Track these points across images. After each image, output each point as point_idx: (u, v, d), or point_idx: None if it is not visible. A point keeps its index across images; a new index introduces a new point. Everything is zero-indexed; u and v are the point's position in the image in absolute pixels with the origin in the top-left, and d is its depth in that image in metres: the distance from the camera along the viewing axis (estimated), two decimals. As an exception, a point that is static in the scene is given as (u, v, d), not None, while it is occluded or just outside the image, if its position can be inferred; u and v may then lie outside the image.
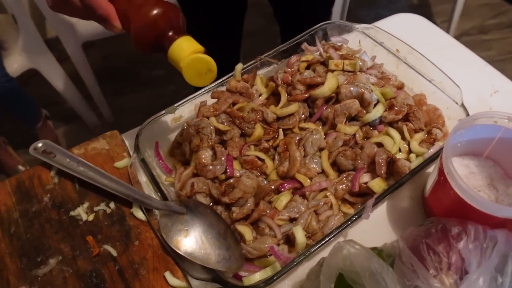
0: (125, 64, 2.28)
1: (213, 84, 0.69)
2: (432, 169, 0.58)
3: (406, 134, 0.63)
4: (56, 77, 1.72)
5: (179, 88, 2.10)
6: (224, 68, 0.64)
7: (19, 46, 1.60)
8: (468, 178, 0.56)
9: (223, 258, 0.51)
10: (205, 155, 0.61)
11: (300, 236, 0.53)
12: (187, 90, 0.75)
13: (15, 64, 1.58)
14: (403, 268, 0.46)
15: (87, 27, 1.64)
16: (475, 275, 0.42)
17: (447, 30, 2.10)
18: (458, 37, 2.22)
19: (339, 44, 0.75)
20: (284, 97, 0.67)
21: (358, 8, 2.33)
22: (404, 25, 0.85)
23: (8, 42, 1.63)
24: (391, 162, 0.58)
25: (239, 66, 0.70)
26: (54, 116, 1.94)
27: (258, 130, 0.63)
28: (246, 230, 0.55)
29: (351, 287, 0.47)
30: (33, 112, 1.71)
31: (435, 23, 2.37)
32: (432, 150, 0.60)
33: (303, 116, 0.66)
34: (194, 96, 0.69)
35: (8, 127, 1.91)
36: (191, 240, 0.52)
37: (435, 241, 0.48)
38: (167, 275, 0.52)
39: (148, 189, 0.60)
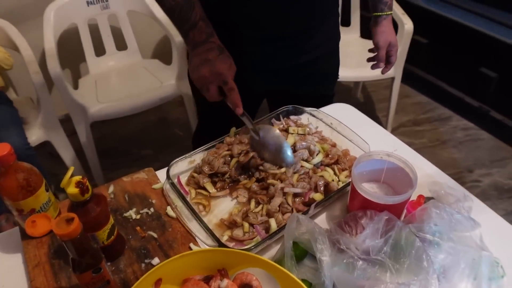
0: (117, 144, 2.65)
1: (216, 141, 1.07)
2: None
3: (337, 172, 1.01)
4: (64, 150, 2.06)
5: (164, 164, 2.46)
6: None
7: (38, 121, 1.95)
8: (372, 194, 0.94)
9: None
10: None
11: (273, 224, 0.88)
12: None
13: (34, 137, 1.91)
14: (330, 234, 0.81)
15: (96, 110, 2.03)
16: (367, 231, 0.78)
17: (386, 122, 2.63)
18: (396, 128, 2.75)
19: (295, 119, 1.17)
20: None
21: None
22: (338, 110, 1.27)
23: (28, 118, 1.98)
24: (327, 185, 0.96)
25: (233, 129, 1.09)
26: (54, 185, 2.24)
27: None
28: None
29: (302, 248, 0.82)
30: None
31: (377, 116, 2.88)
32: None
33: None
34: (203, 149, 1.06)
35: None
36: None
37: (349, 220, 0.84)
38: (191, 245, 0.85)
39: (177, 202, 0.94)
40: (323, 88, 1.39)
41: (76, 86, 2.33)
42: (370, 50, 1.29)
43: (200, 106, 1.46)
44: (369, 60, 1.29)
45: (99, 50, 2.40)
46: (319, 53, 1.24)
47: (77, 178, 0.71)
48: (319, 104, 1.23)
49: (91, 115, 2.02)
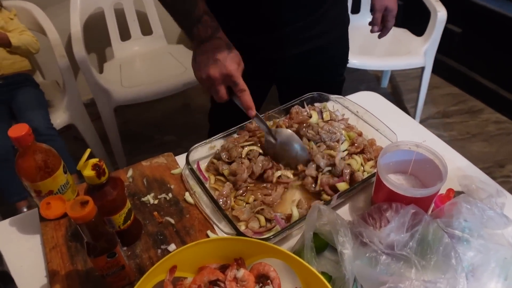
0: (141, 129, 2.66)
1: (237, 127, 1.05)
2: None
3: (362, 162, 0.97)
4: (88, 133, 2.08)
5: (187, 150, 2.45)
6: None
7: (63, 105, 1.97)
8: (398, 187, 0.90)
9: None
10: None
11: (295, 212, 0.85)
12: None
13: (58, 119, 1.93)
14: (353, 226, 0.78)
15: (120, 94, 2.04)
16: (392, 224, 0.74)
17: (414, 113, 2.55)
18: (425, 119, 2.67)
19: (320, 107, 1.13)
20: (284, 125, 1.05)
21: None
22: (365, 98, 1.22)
23: (53, 101, 2.00)
24: (352, 174, 0.92)
25: (255, 116, 1.07)
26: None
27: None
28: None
29: (322, 240, 0.79)
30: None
31: (405, 107, 2.81)
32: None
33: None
34: (224, 134, 1.03)
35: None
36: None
37: (373, 213, 0.80)
38: (208, 232, 0.83)
39: (196, 188, 0.92)
40: (333, 74, 1.35)
41: (101, 70, 2.34)
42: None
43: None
44: (369, 23, 1.25)
45: (125, 35, 2.40)
46: (328, 39, 1.21)
47: (94, 160, 0.70)
48: (330, 90, 1.19)
49: (115, 99, 2.02)
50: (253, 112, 0.91)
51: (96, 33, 2.39)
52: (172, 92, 2.11)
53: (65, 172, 0.83)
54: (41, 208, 0.62)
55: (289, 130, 0.99)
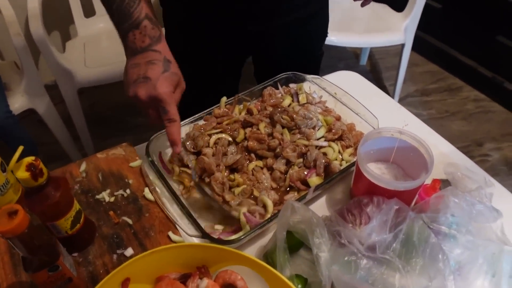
0: (110, 111, 2.52)
1: (203, 112, 0.95)
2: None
3: (340, 149, 0.89)
4: (50, 118, 1.94)
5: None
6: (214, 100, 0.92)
7: (21, 88, 1.82)
8: (379, 177, 0.82)
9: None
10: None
11: (269, 203, 0.77)
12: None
13: (17, 104, 1.79)
14: (330, 224, 0.70)
15: (83, 75, 1.90)
16: (373, 223, 0.67)
17: (393, 92, 2.48)
18: (404, 98, 2.61)
19: (295, 88, 1.04)
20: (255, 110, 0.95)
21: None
22: (343, 78, 1.14)
23: (11, 84, 1.85)
24: (328, 165, 0.84)
25: (224, 99, 0.97)
26: (42, 154, 2.13)
27: (241, 133, 0.89)
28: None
29: (297, 239, 0.71)
30: (30, 150, 1.89)
31: (384, 85, 2.75)
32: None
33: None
34: (190, 120, 0.94)
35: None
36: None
37: (352, 208, 0.73)
38: (170, 234, 0.74)
39: (157, 182, 0.83)
40: (312, 48, 1.25)
41: (64, 50, 2.19)
42: None
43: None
44: None
45: (89, 11, 2.23)
46: (308, 11, 1.11)
47: (29, 159, 0.59)
48: (309, 66, 1.12)
49: (78, 80, 1.89)
50: (178, 148, 0.77)
51: (57, 9, 2.22)
52: (140, 72, 1.98)
53: (3, 171, 0.73)
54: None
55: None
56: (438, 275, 0.59)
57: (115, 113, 2.52)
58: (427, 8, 2.18)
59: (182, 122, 0.91)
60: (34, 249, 0.56)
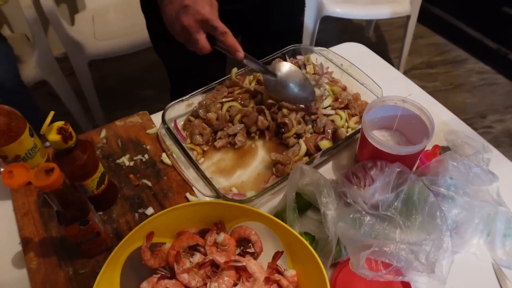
0: (119, 84, 2.56)
1: (215, 82, 0.99)
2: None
3: (347, 117, 0.94)
4: (62, 89, 1.98)
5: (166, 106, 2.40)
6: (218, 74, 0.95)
7: (34, 60, 1.86)
8: (383, 143, 0.87)
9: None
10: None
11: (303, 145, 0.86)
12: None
13: (30, 75, 1.83)
14: (336, 185, 0.76)
15: (94, 48, 1.93)
16: (376, 184, 0.72)
17: (398, 64, 2.50)
18: (409, 70, 2.63)
19: (302, 60, 1.07)
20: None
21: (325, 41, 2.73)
22: (349, 50, 1.17)
23: (24, 56, 1.89)
24: (335, 131, 0.88)
25: (235, 70, 1.01)
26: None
27: (251, 102, 0.94)
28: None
29: (305, 200, 0.76)
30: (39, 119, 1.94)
31: (389, 58, 2.75)
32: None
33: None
34: (203, 90, 0.98)
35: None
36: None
37: (357, 171, 0.78)
38: (187, 195, 0.80)
39: (173, 148, 0.88)
40: (292, 19, 1.26)
41: (72, 23, 2.21)
42: None
43: (167, 62, 1.32)
44: None
45: (96, -17, 2.25)
46: None
47: (59, 123, 0.64)
48: (292, 36, 1.14)
49: (88, 53, 1.92)
50: (241, 54, 0.82)
51: (64, -19, 2.23)
52: (150, 44, 2.01)
53: (31, 135, 0.78)
54: (3, 177, 0.57)
55: (289, 64, 0.93)
56: (436, 230, 0.64)
57: (123, 85, 2.56)
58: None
59: (194, 92, 0.96)
60: (67, 204, 0.61)
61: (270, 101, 0.94)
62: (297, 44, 1.09)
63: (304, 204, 0.77)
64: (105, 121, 2.21)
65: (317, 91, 0.95)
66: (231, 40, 0.80)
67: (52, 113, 0.64)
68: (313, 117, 0.91)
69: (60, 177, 0.57)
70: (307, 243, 0.61)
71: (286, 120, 0.88)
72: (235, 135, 0.91)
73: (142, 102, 2.43)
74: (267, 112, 0.91)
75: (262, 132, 0.93)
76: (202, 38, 0.79)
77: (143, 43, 1.99)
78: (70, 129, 0.65)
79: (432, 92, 1.09)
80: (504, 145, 2.22)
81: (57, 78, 1.95)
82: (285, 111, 0.91)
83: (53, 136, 0.63)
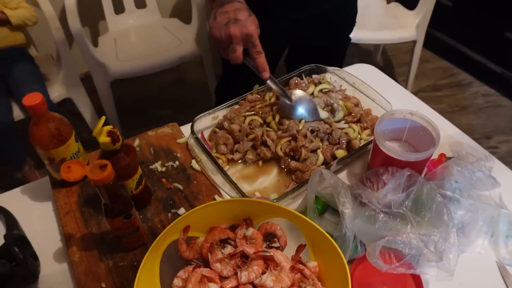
0: (136, 103, 2.67)
1: (238, 98, 1.09)
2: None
3: (359, 130, 1.02)
4: (85, 107, 2.09)
5: (182, 125, 2.50)
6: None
7: (59, 78, 1.97)
8: (393, 153, 0.95)
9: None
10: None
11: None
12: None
13: (55, 93, 1.95)
14: (352, 188, 0.83)
15: (116, 68, 2.05)
16: (388, 185, 0.79)
17: (405, 87, 2.58)
18: (415, 93, 2.69)
19: (317, 78, 1.17)
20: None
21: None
22: (361, 70, 1.26)
23: (50, 75, 2.01)
24: (349, 142, 0.97)
25: (256, 86, 1.10)
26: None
27: (271, 115, 1.03)
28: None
29: (323, 203, 0.84)
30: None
31: (396, 81, 2.86)
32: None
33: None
34: (227, 105, 1.07)
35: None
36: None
37: (370, 176, 0.85)
38: (216, 197, 0.88)
39: (201, 156, 0.96)
40: (344, 34, 1.42)
41: (95, 44, 2.34)
42: None
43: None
44: None
45: (118, 8, 2.39)
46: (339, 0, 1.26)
47: (109, 127, 0.73)
48: (340, 50, 1.29)
49: (111, 73, 2.04)
50: (267, 74, 0.94)
51: (89, 6, 2.37)
52: (168, 66, 2.13)
53: (76, 141, 0.87)
54: (62, 171, 0.65)
55: (302, 92, 1.03)
56: (443, 225, 0.71)
57: (140, 105, 2.67)
58: (438, 6, 2.29)
59: (219, 106, 1.05)
60: (115, 198, 0.69)
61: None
62: (313, 64, 1.19)
63: (322, 206, 0.85)
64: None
65: (326, 113, 1.03)
66: (262, 60, 0.93)
67: (103, 118, 0.73)
68: (328, 130, 0.99)
69: (112, 173, 0.66)
70: (328, 235, 0.69)
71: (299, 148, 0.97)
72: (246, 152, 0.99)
73: (158, 120, 2.52)
74: (270, 142, 0.98)
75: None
76: (239, 49, 0.92)
77: (162, 64, 2.11)
78: (118, 133, 0.73)
79: (439, 114, 1.17)
80: (510, 165, 2.26)
81: (80, 96, 2.06)
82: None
83: (104, 138, 0.72)
